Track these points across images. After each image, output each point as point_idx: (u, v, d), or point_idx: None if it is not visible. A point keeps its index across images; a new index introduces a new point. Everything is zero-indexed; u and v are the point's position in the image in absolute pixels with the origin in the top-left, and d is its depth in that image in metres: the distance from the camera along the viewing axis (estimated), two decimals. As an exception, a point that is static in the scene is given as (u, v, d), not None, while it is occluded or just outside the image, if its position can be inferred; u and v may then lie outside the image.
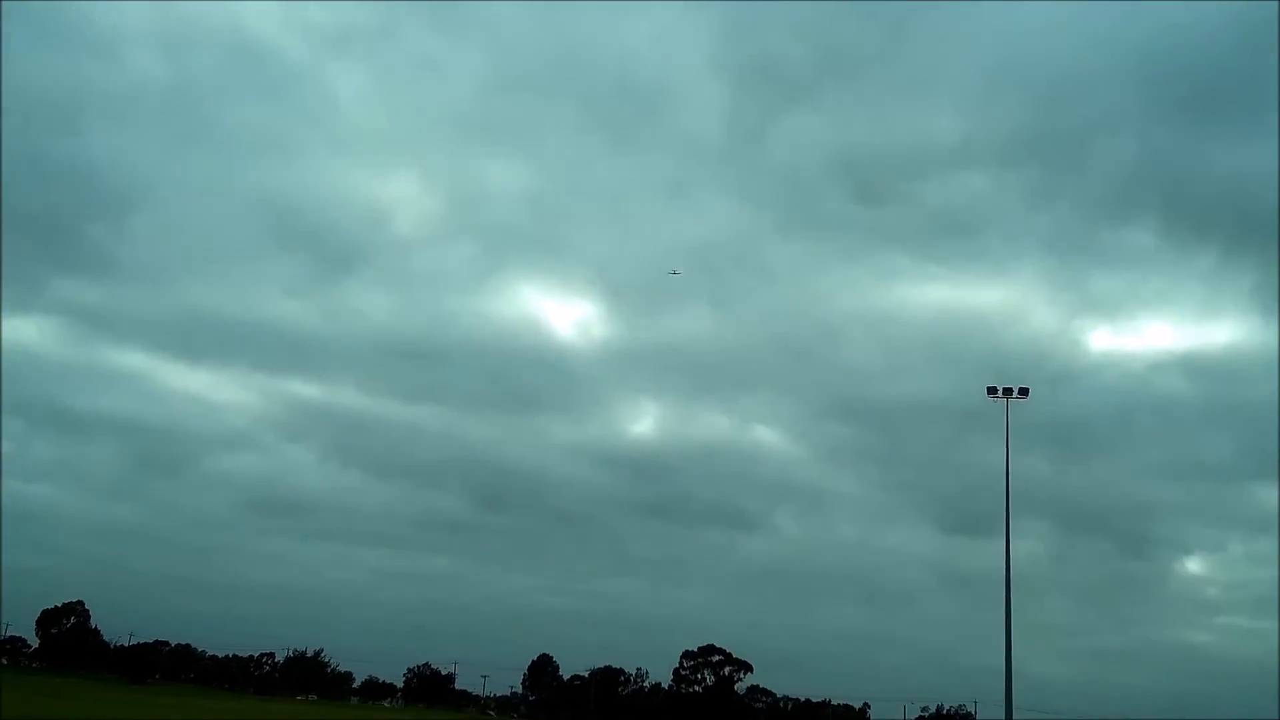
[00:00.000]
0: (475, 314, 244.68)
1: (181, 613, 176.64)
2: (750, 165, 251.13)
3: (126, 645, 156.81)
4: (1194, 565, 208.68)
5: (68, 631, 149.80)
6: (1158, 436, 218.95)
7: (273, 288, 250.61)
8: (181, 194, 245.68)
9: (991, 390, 66.46)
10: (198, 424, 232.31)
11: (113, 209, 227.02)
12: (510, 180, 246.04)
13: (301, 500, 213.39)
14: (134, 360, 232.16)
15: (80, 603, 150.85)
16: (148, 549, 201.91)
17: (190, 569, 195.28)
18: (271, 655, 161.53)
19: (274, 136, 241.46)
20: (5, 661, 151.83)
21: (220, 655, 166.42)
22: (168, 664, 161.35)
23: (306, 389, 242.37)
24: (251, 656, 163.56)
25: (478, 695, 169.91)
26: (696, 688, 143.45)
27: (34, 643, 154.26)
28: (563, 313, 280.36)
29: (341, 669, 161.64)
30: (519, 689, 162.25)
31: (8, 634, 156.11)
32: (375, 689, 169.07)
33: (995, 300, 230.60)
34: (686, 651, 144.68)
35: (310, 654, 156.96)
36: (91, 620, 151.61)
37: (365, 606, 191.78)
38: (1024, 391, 66.20)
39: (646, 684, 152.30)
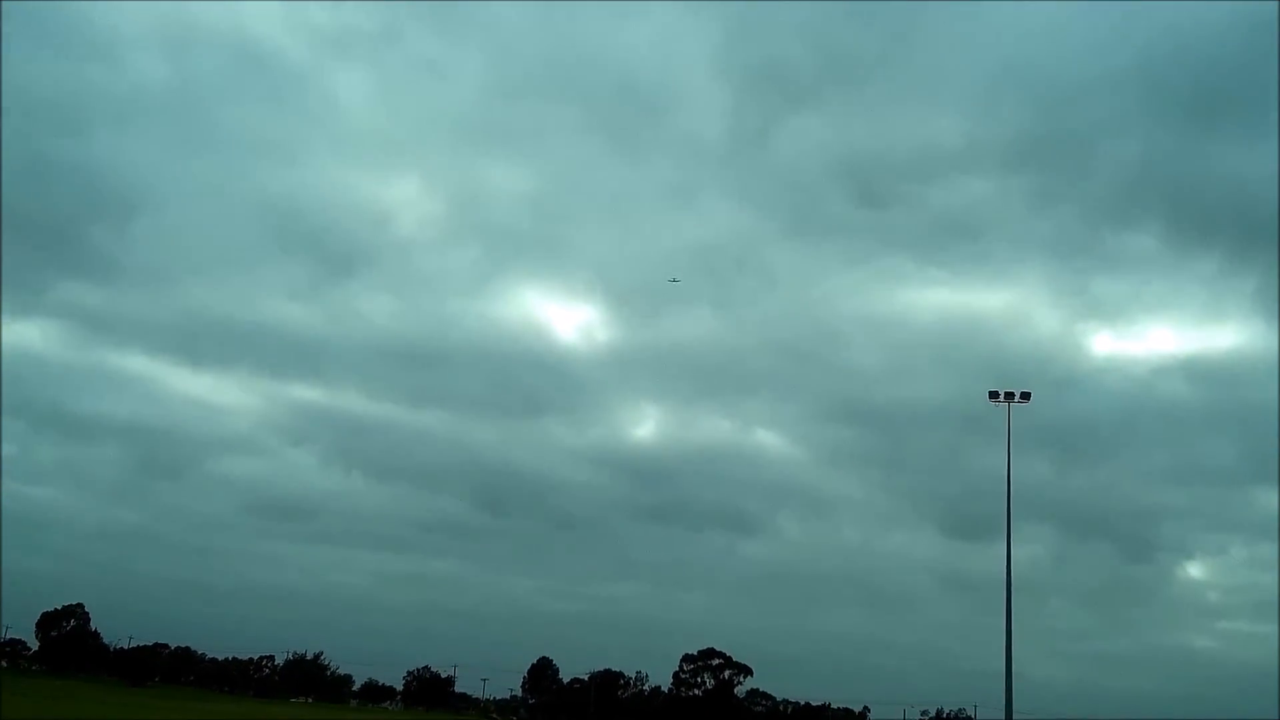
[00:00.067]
0: (477, 317, 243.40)
1: (181, 615, 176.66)
2: (753, 168, 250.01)
3: (126, 648, 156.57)
4: (1195, 569, 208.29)
5: (67, 634, 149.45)
6: (1160, 441, 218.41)
7: (275, 291, 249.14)
8: (183, 196, 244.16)
9: (993, 394, 66.44)
10: (200, 427, 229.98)
11: (114, 212, 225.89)
12: (512, 183, 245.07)
13: (303, 503, 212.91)
14: (136, 363, 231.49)
15: (80, 605, 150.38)
16: (149, 552, 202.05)
17: (191, 572, 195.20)
18: (271, 658, 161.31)
19: (276, 139, 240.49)
20: (5, 664, 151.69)
21: (220, 658, 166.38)
22: (167, 667, 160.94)
23: (309, 392, 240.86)
24: (251, 659, 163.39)
25: (477, 698, 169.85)
26: (696, 691, 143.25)
27: (34, 645, 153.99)
28: (565, 316, 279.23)
29: (341, 672, 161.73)
30: (519, 692, 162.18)
31: (7, 636, 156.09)
32: (375, 692, 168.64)
33: (998, 304, 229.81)
34: (686, 655, 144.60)
35: (310, 657, 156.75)
36: (91, 623, 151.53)
37: (366, 609, 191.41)
38: (1026, 395, 66.17)
39: (646, 687, 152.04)
